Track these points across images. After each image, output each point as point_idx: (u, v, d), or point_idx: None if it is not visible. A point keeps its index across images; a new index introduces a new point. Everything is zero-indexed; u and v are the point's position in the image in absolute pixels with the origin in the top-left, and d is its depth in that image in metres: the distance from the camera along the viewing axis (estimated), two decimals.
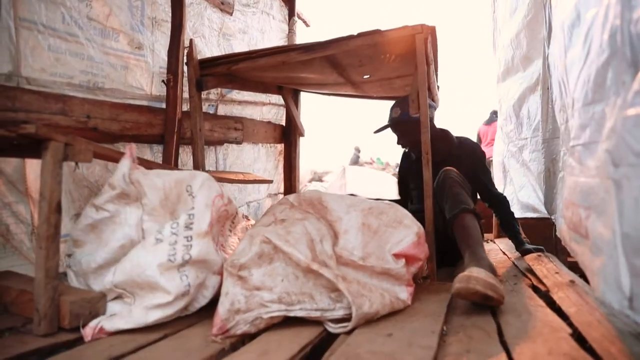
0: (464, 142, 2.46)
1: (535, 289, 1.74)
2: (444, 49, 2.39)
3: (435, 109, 2.46)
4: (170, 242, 1.38)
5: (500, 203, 2.36)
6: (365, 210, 1.72)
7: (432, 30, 2.01)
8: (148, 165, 1.70)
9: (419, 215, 1.92)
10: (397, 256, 1.57)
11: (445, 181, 2.01)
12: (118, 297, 1.39)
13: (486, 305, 1.48)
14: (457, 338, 1.24)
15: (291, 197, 1.84)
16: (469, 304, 1.52)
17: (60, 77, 1.80)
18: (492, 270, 1.71)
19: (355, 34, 2.00)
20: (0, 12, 1.60)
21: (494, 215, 3.30)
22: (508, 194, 2.86)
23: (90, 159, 1.31)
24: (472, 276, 1.44)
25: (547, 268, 1.92)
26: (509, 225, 2.33)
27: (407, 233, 1.63)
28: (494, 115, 7.63)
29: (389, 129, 2.49)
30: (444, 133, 2.45)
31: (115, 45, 2.06)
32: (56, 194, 1.29)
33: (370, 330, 1.28)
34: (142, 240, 1.44)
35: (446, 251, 2.08)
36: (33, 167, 1.65)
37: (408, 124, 2.37)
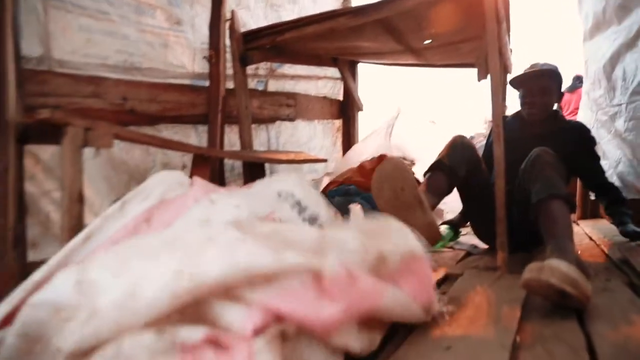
0: (568, 122, 2.09)
1: (635, 289, 1.43)
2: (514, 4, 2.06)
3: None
4: None
5: (609, 192, 1.99)
6: None
7: None
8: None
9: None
10: None
11: (536, 161, 1.70)
12: None
13: (567, 306, 1.22)
14: (532, 354, 1.00)
15: None
16: (549, 307, 1.26)
17: (94, 58, 1.72)
18: (579, 266, 1.42)
19: None
20: None
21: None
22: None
23: (110, 144, 1.20)
24: (545, 266, 1.19)
25: None
26: (614, 207, 1.97)
27: None
28: (577, 81, 6.87)
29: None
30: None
31: (151, 22, 1.94)
32: (77, 183, 1.20)
33: (425, 341, 1.07)
34: None
35: (526, 240, 1.83)
36: None
37: (547, 78, 1.96)
